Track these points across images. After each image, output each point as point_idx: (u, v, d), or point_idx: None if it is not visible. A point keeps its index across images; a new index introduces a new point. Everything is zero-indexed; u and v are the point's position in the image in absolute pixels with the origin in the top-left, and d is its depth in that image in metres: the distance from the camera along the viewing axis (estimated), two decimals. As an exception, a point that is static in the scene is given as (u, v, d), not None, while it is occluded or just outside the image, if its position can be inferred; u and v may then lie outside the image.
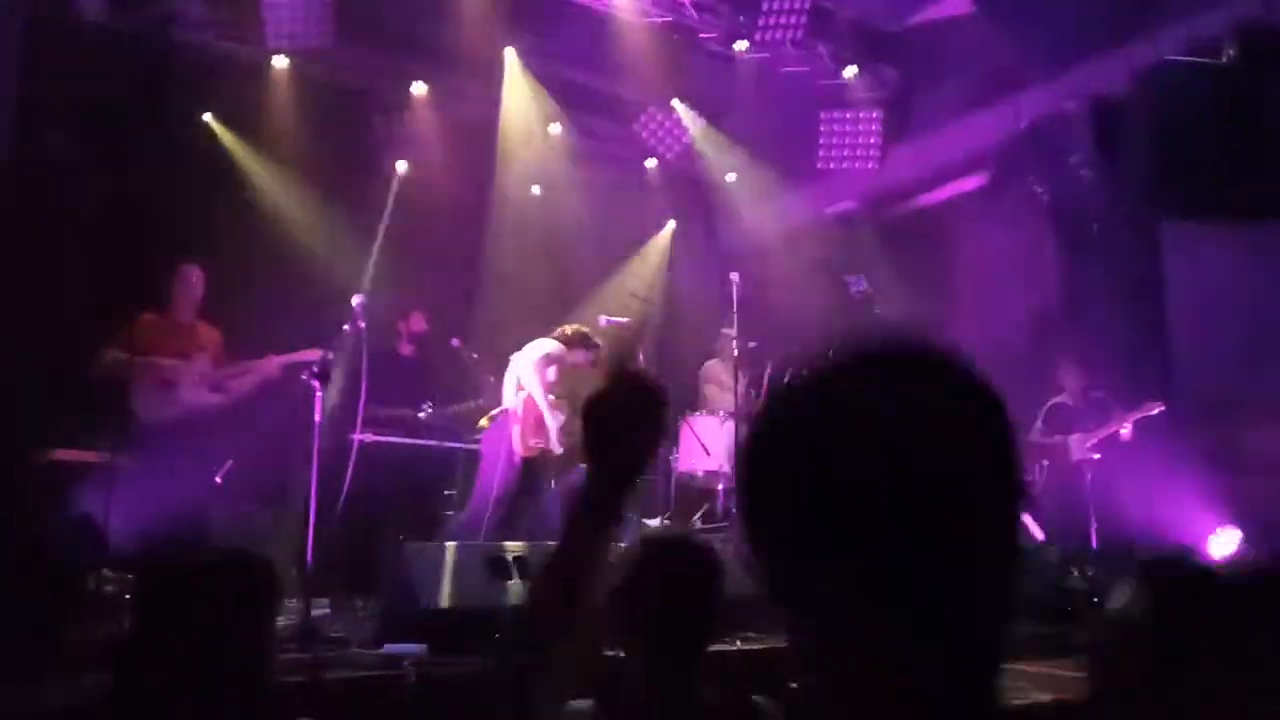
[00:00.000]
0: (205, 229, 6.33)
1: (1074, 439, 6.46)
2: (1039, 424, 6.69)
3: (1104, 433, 6.36)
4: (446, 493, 6.34)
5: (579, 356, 5.86)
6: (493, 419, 5.80)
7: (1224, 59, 6.42)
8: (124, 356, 5.10)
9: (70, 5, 6.34)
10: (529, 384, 5.61)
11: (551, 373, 5.74)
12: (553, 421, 5.65)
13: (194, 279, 5.61)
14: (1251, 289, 6.16)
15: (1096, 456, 6.35)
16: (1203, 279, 6.46)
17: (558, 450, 5.76)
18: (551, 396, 5.74)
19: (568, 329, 5.91)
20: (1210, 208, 6.26)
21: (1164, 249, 6.71)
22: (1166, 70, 6.51)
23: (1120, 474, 6.03)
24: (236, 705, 1.64)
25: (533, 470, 5.76)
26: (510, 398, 5.68)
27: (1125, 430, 6.28)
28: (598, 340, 5.91)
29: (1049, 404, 6.69)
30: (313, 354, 5.44)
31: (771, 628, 4.57)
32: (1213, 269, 6.40)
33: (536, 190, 8.44)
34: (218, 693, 1.62)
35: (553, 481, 6.08)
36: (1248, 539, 5.54)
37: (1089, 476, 6.31)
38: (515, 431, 5.62)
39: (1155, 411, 6.19)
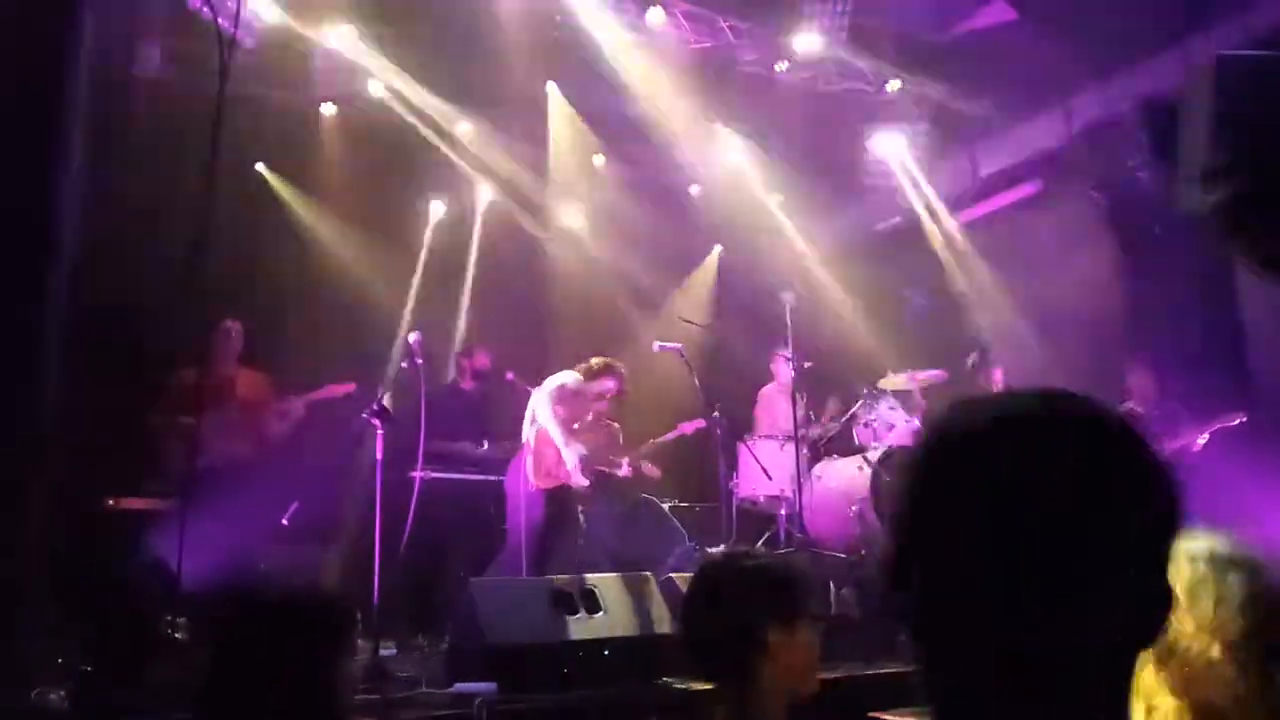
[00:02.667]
0: (261, 277, 6.45)
1: None
2: None
3: (1178, 443, 6.13)
4: (505, 528, 6.32)
5: (606, 385, 5.78)
6: None
7: (1285, 52, 6.23)
8: (153, 419, 5.26)
9: (129, 60, 6.54)
10: (542, 417, 5.52)
11: (573, 403, 5.67)
12: (570, 454, 5.52)
13: (234, 333, 5.77)
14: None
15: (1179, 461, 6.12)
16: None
17: (579, 483, 5.63)
18: (576, 426, 5.68)
19: (593, 362, 5.84)
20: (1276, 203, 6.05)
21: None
22: (1224, 64, 6.34)
23: (1195, 486, 5.78)
24: None
25: (557, 502, 5.62)
26: (526, 430, 5.62)
27: (1202, 440, 6.04)
28: (621, 369, 5.84)
29: (1120, 409, 6.48)
30: (341, 389, 5.56)
31: (846, 654, 4.46)
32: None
33: (584, 221, 8.48)
34: None
35: (580, 513, 5.97)
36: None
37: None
38: (529, 464, 5.54)
39: (1236, 422, 5.93)
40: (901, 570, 0.81)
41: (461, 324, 7.20)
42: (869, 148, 7.95)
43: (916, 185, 8.02)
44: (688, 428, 6.81)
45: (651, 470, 6.57)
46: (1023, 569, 0.75)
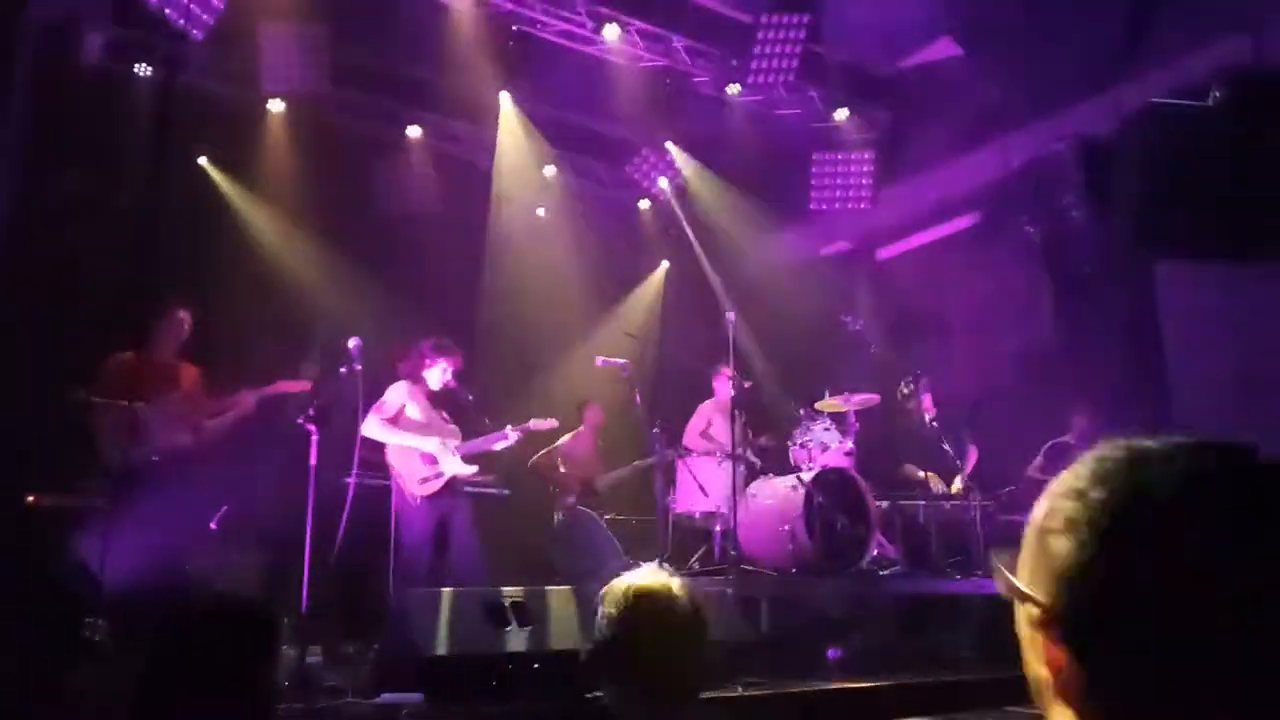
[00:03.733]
0: (200, 270, 6.33)
1: None
2: (1039, 460, 6.70)
3: None
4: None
5: (436, 371, 5.63)
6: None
7: (1210, 101, 6.52)
8: (87, 397, 5.04)
9: (71, 49, 6.39)
10: (379, 437, 5.42)
11: (412, 409, 5.54)
12: (435, 446, 5.48)
13: (184, 321, 5.54)
14: (1244, 326, 6.20)
15: None
16: (1196, 317, 6.51)
17: (461, 470, 5.54)
18: (432, 418, 5.61)
19: (413, 352, 5.69)
20: (1200, 247, 6.32)
21: (1157, 288, 6.77)
22: (1153, 112, 6.61)
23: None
24: None
25: (442, 503, 5.50)
26: (387, 455, 5.51)
27: None
28: (448, 345, 5.69)
29: (1051, 443, 6.71)
30: (291, 386, 5.43)
31: (772, 673, 4.53)
32: (1206, 307, 6.45)
33: (530, 231, 8.50)
34: None
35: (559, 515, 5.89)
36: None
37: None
38: (405, 484, 5.45)
39: None
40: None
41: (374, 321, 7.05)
42: (815, 173, 8.11)
43: (859, 212, 8.19)
44: (646, 463, 6.88)
45: (540, 425, 6.18)
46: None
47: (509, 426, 5.76)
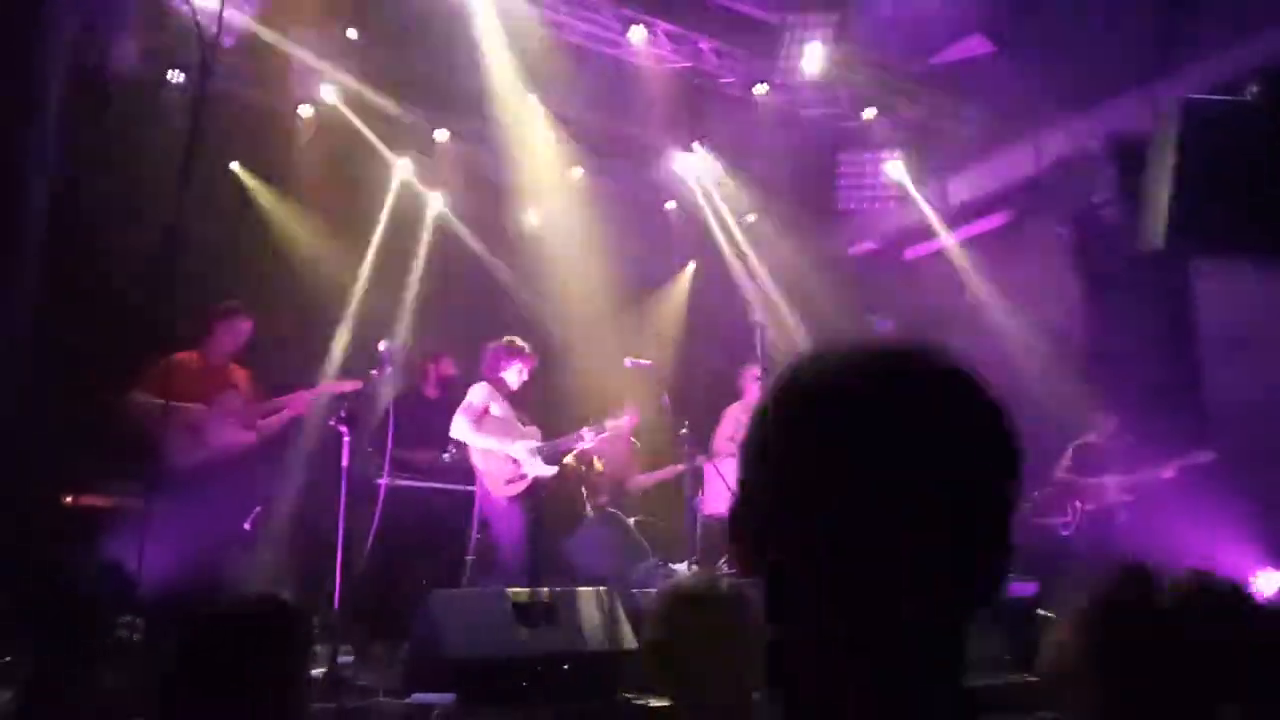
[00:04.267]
0: (233, 274, 6.40)
1: (1109, 480, 6.36)
2: (1066, 461, 6.60)
3: (1144, 477, 6.25)
4: (473, 538, 6.31)
5: (513, 371, 5.73)
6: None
7: (1248, 96, 6.41)
8: (151, 401, 5.09)
9: (104, 56, 6.47)
10: (468, 440, 5.54)
11: (496, 409, 5.64)
12: (520, 450, 5.57)
13: (243, 329, 5.56)
14: (1280, 326, 6.09)
15: (1130, 499, 6.24)
16: (1234, 318, 6.39)
17: (545, 472, 5.65)
18: (518, 420, 5.70)
19: (486, 355, 5.79)
20: (1237, 245, 6.21)
21: (1193, 289, 6.65)
22: (1190, 108, 6.50)
23: (1154, 518, 5.93)
24: None
25: (534, 504, 5.65)
26: (473, 456, 5.63)
27: (1169, 474, 6.17)
28: (520, 344, 5.78)
29: (1077, 442, 6.61)
30: (343, 385, 5.45)
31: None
32: (1246, 308, 6.33)
33: (558, 233, 8.51)
34: None
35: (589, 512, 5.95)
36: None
37: (1121, 519, 6.21)
38: (489, 483, 5.56)
39: (1204, 460, 6.05)
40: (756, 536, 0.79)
41: (405, 324, 7.10)
42: (843, 173, 8.05)
43: (888, 211, 8.13)
44: (672, 470, 6.88)
45: (616, 425, 6.44)
46: (886, 529, 0.73)
47: (585, 428, 5.84)
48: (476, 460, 5.59)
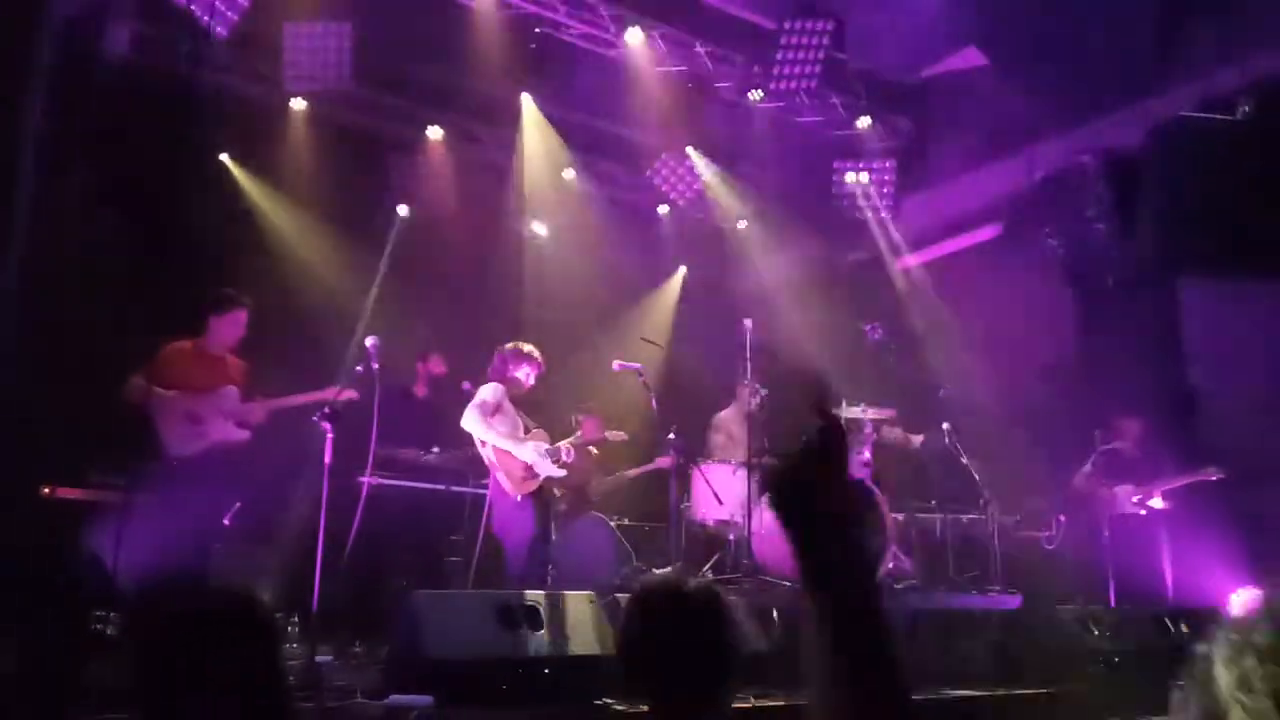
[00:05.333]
0: (221, 267, 6.34)
1: (1121, 490, 6.35)
2: (1088, 468, 6.54)
3: (1158, 489, 6.24)
4: (452, 538, 6.27)
5: (522, 374, 5.78)
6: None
7: (1239, 115, 6.45)
8: (145, 385, 5.03)
9: (96, 44, 6.41)
10: (481, 436, 5.58)
11: (505, 410, 5.68)
12: (532, 454, 5.61)
13: (240, 320, 5.48)
14: (1270, 347, 6.11)
15: (1142, 512, 6.23)
16: (1221, 337, 6.42)
17: (556, 472, 5.72)
18: (523, 427, 5.74)
19: (496, 357, 5.85)
20: (1225, 264, 6.25)
21: (1182, 306, 6.68)
22: (1181, 126, 6.54)
23: (1142, 533, 5.95)
24: None
25: (544, 504, 5.72)
26: (482, 452, 5.65)
27: (1158, 496, 6.18)
28: (530, 351, 5.84)
29: (1105, 448, 6.55)
30: (327, 394, 5.38)
31: (784, 684, 4.47)
32: (1231, 327, 6.36)
33: (549, 234, 8.48)
34: None
35: (553, 525, 6.01)
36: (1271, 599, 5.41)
37: (1107, 533, 6.21)
38: (503, 480, 5.58)
39: (1214, 478, 6.04)
40: None
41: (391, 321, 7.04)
42: (837, 181, 8.06)
43: (881, 221, 8.14)
44: (661, 463, 6.88)
45: (616, 436, 6.67)
46: None
47: (563, 442, 5.90)
48: (490, 457, 5.60)
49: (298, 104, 7.39)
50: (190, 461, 5.06)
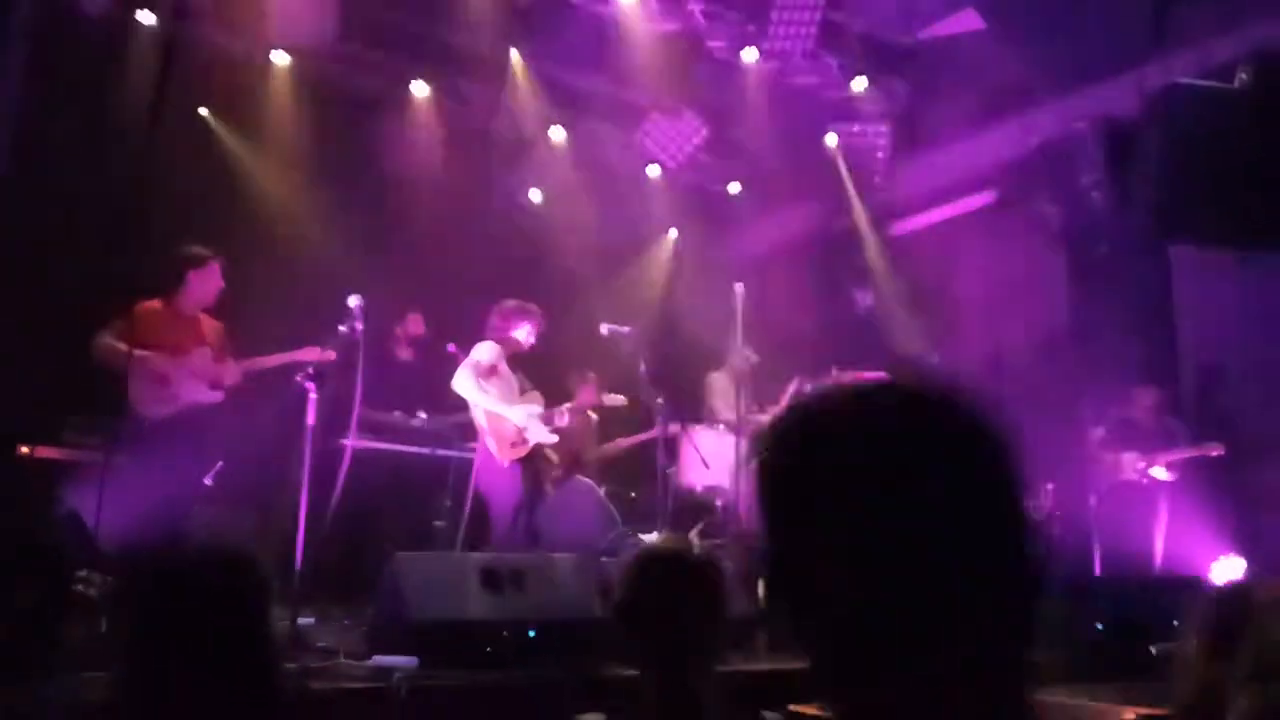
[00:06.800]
0: (200, 224, 6.22)
1: (1127, 457, 6.35)
2: (1101, 431, 6.54)
3: (1162, 459, 6.24)
4: (439, 503, 6.22)
5: (522, 334, 5.71)
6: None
7: (1236, 84, 6.38)
8: (120, 346, 4.94)
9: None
10: (473, 398, 5.51)
11: (500, 371, 5.64)
12: (524, 416, 5.55)
13: (214, 273, 5.36)
14: (1262, 319, 6.10)
15: (1144, 481, 6.23)
16: (1213, 307, 6.40)
17: (547, 439, 5.66)
18: (519, 390, 5.71)
19: (495, 315, 5.76)
20: (1220, 234, 6.21)
21: (1174, 275, 6.65)
22: (1179, 94, 6.46)
23: (1139, 501, 5.96)
24: (244, 707, 1.55)
25: (533, 470, 5.67)
26: (474, 414, 5.59)
27: (1163, 468, 6.18)
28: (531, 309, 5.78)
29: (1119, 414, 6.54)
30: (306, 354, 5.29)
31: (772, 647, 4.48)
32: (1224, 297, 6.34)
33: (537, 195, 8.36)
34: (221, 697, 1.53)
35: (549, 488, 6.01)
36: (1255, 570, 5.45)
37: (1095, 501, 6.22)
38: (492, 445, 5.54)
39: (1215, 454, 6.03)
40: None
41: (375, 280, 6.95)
42: (831, 144, 7.95)
43: (874, 185, 8.05)
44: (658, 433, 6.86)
45: (614, 400, 6.63)
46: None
47: (561, 407, 5.89)
48: (480, 420, 5.54)
49: (280, 58, 7.22)
50: (162, 424, 4.98)
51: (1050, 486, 6.28)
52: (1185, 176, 6.27)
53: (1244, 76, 6.39)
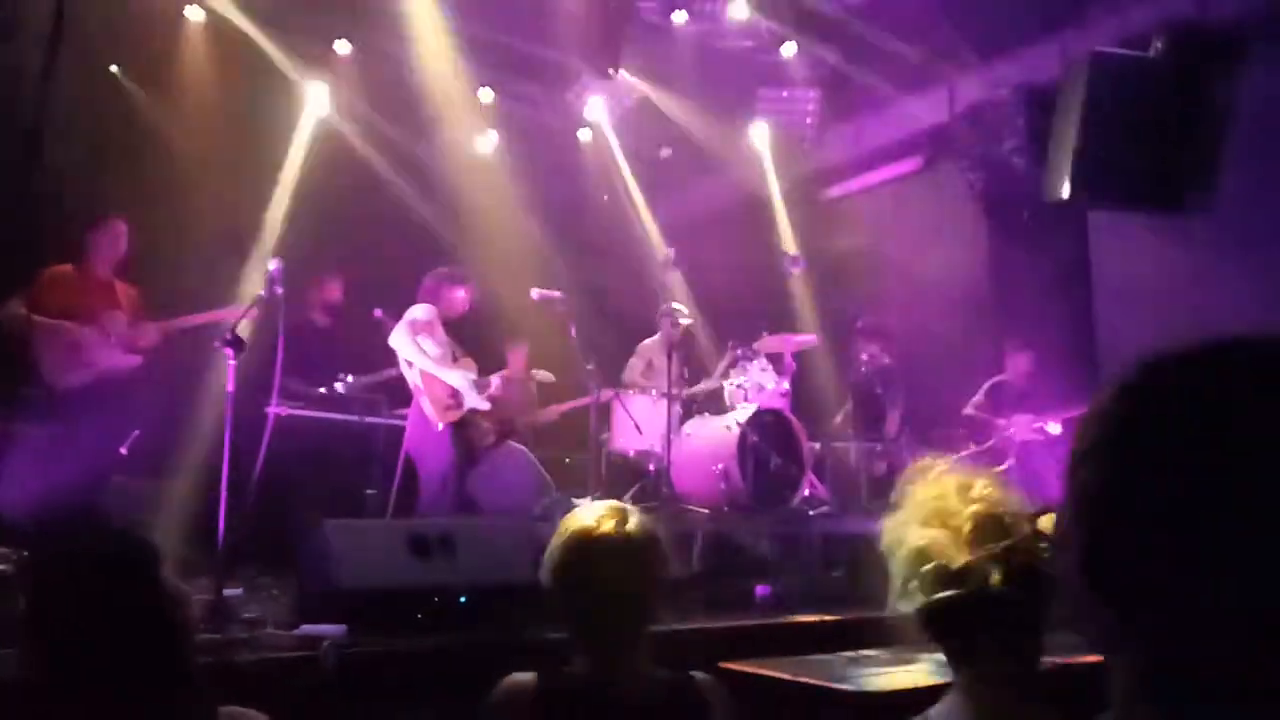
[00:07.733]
0: (111, 184, 5.97)
1: (1019, 419, 6.54)
2: (980, 397, 6.76)
3: (1053, 417, 6.44)
4: (367, 469, 6.12)
5: (454, 298, 5.72)
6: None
7: (1151, 53, 6.52)
8: (25, 313, 4.73)
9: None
10: (410, 357, 5.49)
11: (435, 333, 5.62)
12: (460, 380, 5.57)
13: (119, 233, 5.21)
14: (1175, 281, 6.30)
15: (1041, 439, 6.43)
16: (1129, 270, 6.59)
17: (480, 404, 5.66)
18: (453, 353, 5.68)
19: (428, 279, 5.75)
20: (1135, 198, 6.37)
21: (1090, 239, 6.83)
22: (1096, 61, 6.59)
23: (1048, 457, 6.13)
24: (147, 684, 1.51)
25: (464, 435, 5.66)
26: (408, 374, 5.56)
27: (1055, 428, 6.38)
28: (463, 274, 5.80)
29: (991, 382, 6.76)
30: (227, 314, 5.15)
31: (704, 608, 4.53)
32: (1138, 260, 6.53)
33: (466, 157, 8.20)
34: (121, 672, 1.50)
35: (482, 453, 5.99)
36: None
37: (1012, 460, 6.40)
38: (426, 406, 5.51)
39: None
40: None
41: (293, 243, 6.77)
42: (761, 109, 7.95)
43: (803, 152, 8.09)
44: (581, 401, 6.84)
45: (543, 376, 6.75)
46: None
47: (493, 375, 5.89)
48: (415, 380, 5.49)
49: (194, 13, 6.92)
50: (75, 392, 4.81)
51: (973, 447, 6.46)
52: (1104, 142, 6.40)
53: (1158, 45, 6.54)
